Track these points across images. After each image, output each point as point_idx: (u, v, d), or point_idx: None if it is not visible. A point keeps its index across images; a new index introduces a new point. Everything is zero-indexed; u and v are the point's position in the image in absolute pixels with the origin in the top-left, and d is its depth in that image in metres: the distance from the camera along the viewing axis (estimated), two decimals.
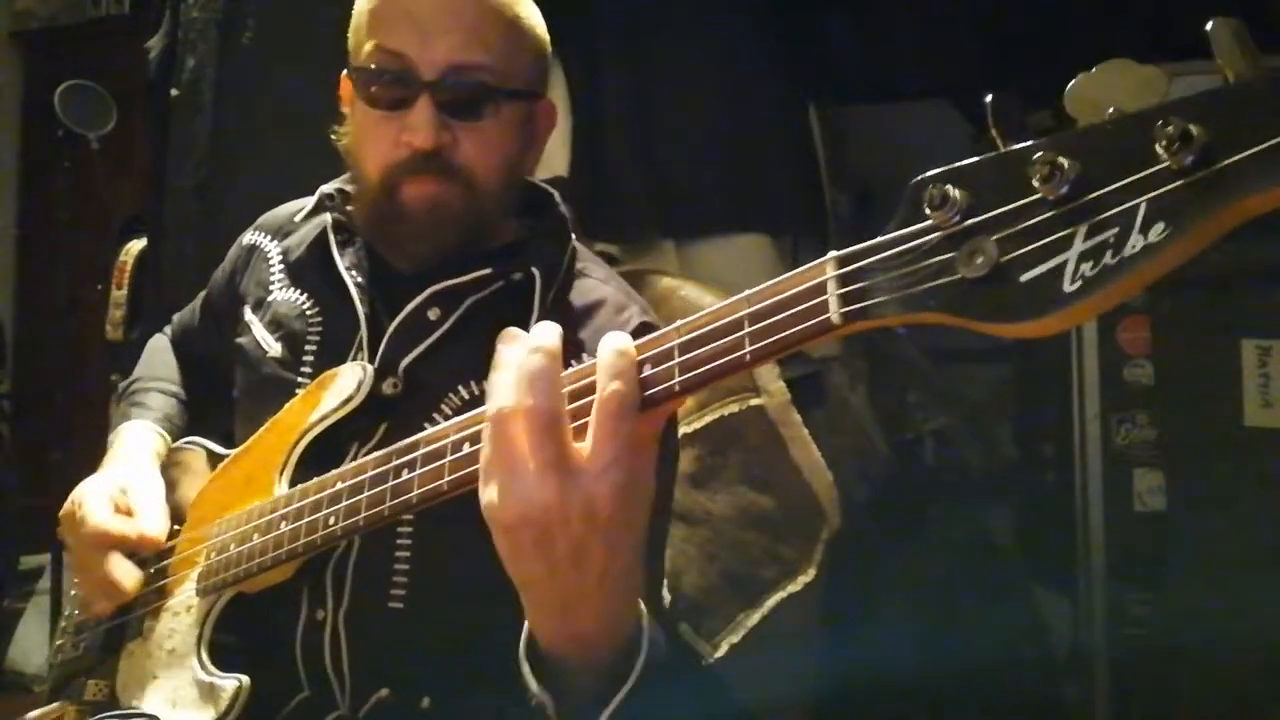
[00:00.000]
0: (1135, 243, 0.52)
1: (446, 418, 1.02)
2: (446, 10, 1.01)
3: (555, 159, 1.97)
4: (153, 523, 1.08)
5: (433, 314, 1.05)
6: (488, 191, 1.04)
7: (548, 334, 0.69)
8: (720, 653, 1.41)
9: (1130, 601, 1.94)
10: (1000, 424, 2.71)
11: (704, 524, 1.47)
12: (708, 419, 1.49)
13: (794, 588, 1.43)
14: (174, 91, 2.15)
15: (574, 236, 1.16)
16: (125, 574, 1.05)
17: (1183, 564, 1.90)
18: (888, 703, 1.66)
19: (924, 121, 2.87)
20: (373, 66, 1.03)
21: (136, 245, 2.57)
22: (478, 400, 1.03)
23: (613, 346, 0.67)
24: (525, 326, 1.04)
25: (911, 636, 1.85)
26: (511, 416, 0.66)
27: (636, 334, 1.06)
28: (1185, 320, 1.92)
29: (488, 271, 1.05)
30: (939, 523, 2.37)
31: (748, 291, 0.66)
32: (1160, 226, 0.51)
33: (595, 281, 1.13)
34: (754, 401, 1.49)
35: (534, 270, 1.06)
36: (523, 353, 0.68)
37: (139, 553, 1.08)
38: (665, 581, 1.13)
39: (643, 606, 0.74)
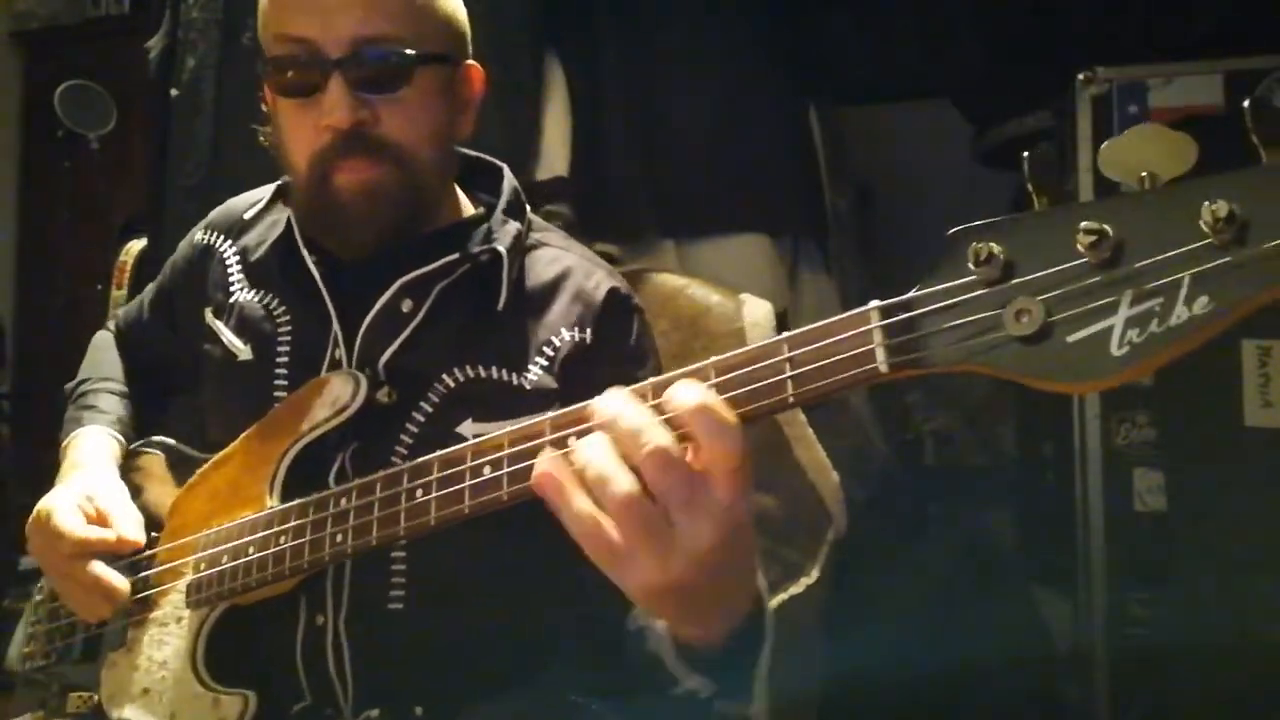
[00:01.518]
0: (1180, 314, 0.55)
1: (434, 406, 1.02)
2: None
3: (555, 159, 1.97)
4: (129, 526, 1.05)
5: (405, 306, 1.03)
6: (419, 163, 1.01)
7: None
8: None
9: (1130, 601, 1.94)
10: (1000, 424, 2.71)
11: None
12: None
13: (795, 589, 1.43)
14: (174, 91, 2.15)
15: (528, 211, 1.15)
16: (116, 579, 1.03)
17: (1183, 564, 1.90)
18: (888, 702, 1.66)
19: (924, 121, 2.87)
20: (279, 55, 1.00)
21: (136, 245, 2.57)
22: (461, 387, 1.02)
23: (697, 403, 0.64)
24: (494, 306, 1.04)
25: (912, 636, 1.85)
26: (639, 495, 0.64)
27: (607, 300, 1.07)
28: None
29: (455, 257, 1.03)
30: (939, 523, 2.37)
31: (785, 335, 0.67)
32: (1205, 300, 0.55)
33: (555, 250, 1.12)
34: None
35: (500, 250, 1.05)
36: (622, 420, 0.65)
37: (118, 557, 1.05)
38: None
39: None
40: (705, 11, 2.12)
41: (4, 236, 4.15)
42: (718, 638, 0.74)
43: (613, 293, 1.09)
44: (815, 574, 1.44)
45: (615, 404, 0.66)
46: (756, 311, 1.40)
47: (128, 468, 1.17)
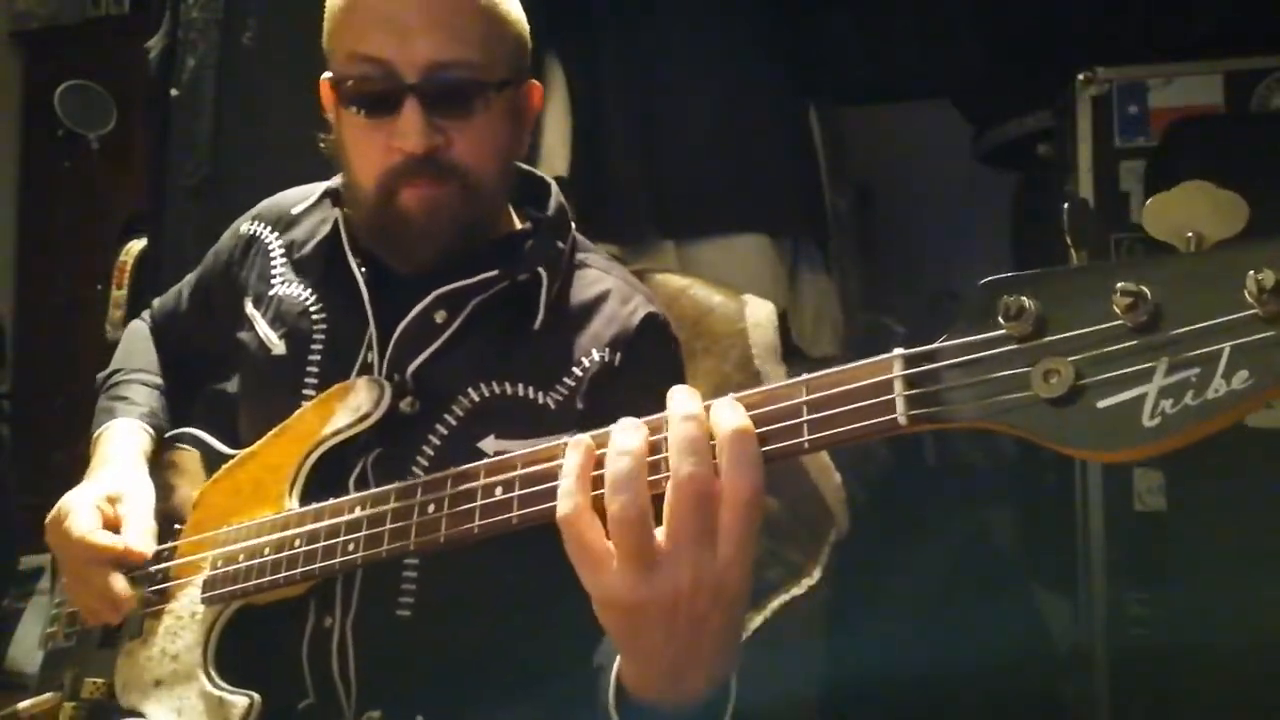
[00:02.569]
0: (1218, 387, 0.52)
1: (458, 419, 1.02)
2: (423, 9, 0.97)
3: (555, 159, 1.97)
4: (139, 537, 1.05)
5: (439, 317, 1.04)
6: (484, 186, 1.02)
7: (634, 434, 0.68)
8: None
9: (1130, 601, 1.94)
10: None
11: None
12: None
13: (797, 590, 1.43)
14: (174, 91, 2.15)
15: (574, 226, 1.15)
16: (123, 591, 1.03)
17: (1183, 564, 1.90)
18: (889, 702, 1.66)
19: (924, 121, 2.87)
20: (354, 74, 0.99)
21: (136, 245, 2.57)
22: (485, 402, 1.02)
23: (739, 426, 0.65)
24: (530, 325, 1.04)
25: (912, 637, 1.85)
26: (644, 513, 0.65)
27: (641, 326, 1.07)
28: None
29: (494, 273, 1.03)
30: (939, 523, 2.37)
31: (805, 376, 0.66)
32: (1244, 375, 0.51)
33: (597, 272, 1.11)
34: None
35: (540, 270, 1.05)
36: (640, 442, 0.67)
37: (127, 565, 1.05)
38: None
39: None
40: (705, 12, 2.12)
41: (4, 236, 4.15)
42: (669, 703, 0.71)
43: (649, 319, 1.08)
44: (817, 574, 1.44)
45: (685, 404, 0.66)
46: (759, 312, 1.40)
47: (161, 463, 1.18)
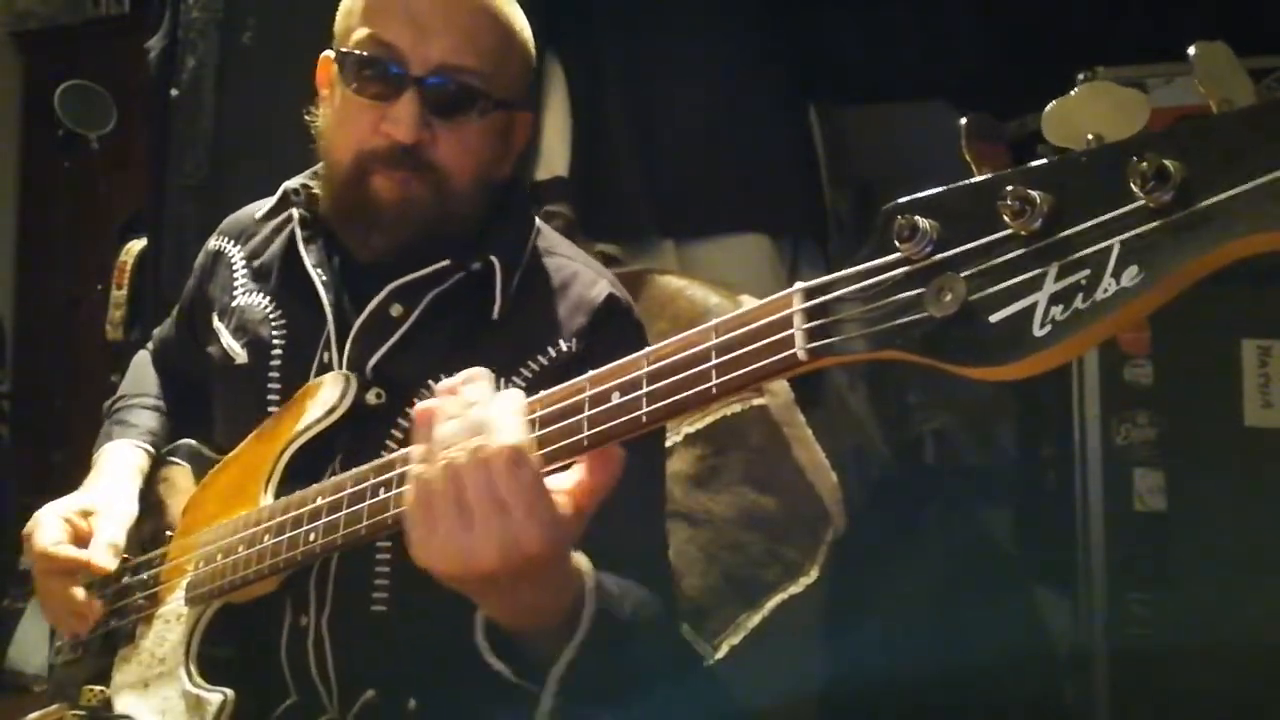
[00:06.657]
0: (1108, 286, 0.49)
1: None
2: (444, 10, 1.01)
3: (555, 159, 1.97)
4: (102, 551, 1.05)
5: (394, 310, 1.05)
6: (459, 193, 1.04)
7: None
8: (720, 654, 1.41)
9: (1130, 601, 1.94)
10: (1000, 424, 2.71)
11: (705, 525, 1.47)
12: (710, 418, 1.49)
13: (795, 589, 1.43)
14: (174, 91, 2.16)
15: (536, 221, 1.15)
16: (84, 602, 1.05)
17: (1183, 564, 1.90)
18: (888, 702, 1.66)
19: (924, 121, 2.87)
20: (363, 54, 1.02)
21: (136, 245, 2.57)
22: None
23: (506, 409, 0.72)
24: (489, 315, 1.05)
25: (911, 637, 1.85)
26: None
27: (602, 310, 1.08)
28: (1185, 320, 1.92)
29: (446, 264, 1.04)
30: (939, 523, 2.37)
31: (716, 320, 0.64)
32: (1134, 270, 0.48)
33: (563, 259, 1.13)
34: (757, 401, 1.49)
35: (493, 259, 1.06)
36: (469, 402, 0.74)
37: (89, 577, 1.06)
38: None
39: (587, 569, 0.82)
40: (705, 11, 2.12)
41: (4, 236, 4.16)
42: (523, 631, 0.80)
43: (610, 302, 1.09)
44: (815, 574, 1.44)
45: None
46: None
47: (156, 479, 1.19)
